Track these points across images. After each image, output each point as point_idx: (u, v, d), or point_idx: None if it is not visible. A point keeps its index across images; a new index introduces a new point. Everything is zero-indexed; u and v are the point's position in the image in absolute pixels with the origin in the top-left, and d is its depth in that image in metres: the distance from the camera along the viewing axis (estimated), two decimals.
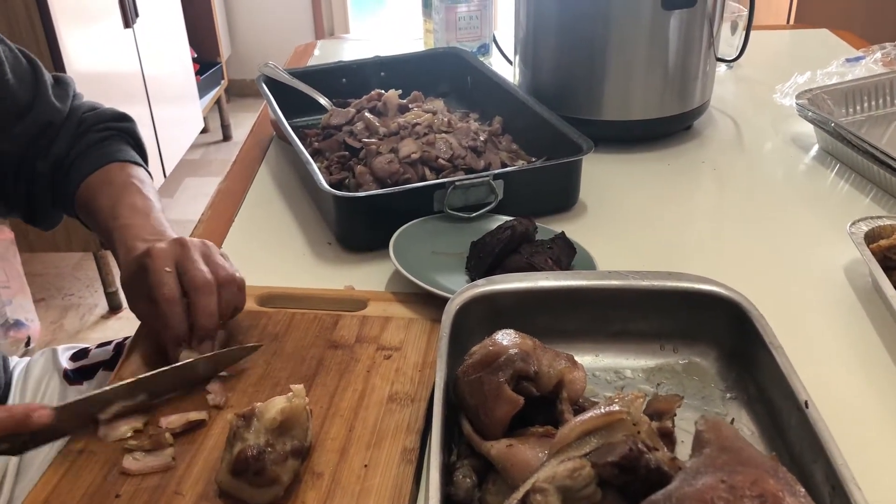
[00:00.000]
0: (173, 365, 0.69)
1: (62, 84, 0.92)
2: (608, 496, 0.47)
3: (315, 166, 0.95)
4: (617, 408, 0.50)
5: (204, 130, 3.26)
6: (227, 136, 3.47)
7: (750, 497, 0.40)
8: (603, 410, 0.50)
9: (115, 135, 0.91)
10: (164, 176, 2.72)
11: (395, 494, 0.60)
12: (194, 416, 0.66)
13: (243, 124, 3.40)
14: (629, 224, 1.00)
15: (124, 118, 0.94)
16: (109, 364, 0.93)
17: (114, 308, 2.35)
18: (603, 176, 1.09)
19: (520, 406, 0.58)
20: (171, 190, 2.99)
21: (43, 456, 0.85)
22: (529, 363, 0.60)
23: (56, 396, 0.92)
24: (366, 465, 0.62)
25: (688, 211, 1.05)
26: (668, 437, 0.53)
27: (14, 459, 0.84)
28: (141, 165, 0.91)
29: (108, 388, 0.67)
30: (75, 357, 0.95)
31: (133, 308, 0.74)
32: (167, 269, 0.70)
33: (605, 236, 0.95)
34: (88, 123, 0.90)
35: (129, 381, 0.67)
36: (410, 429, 0.66)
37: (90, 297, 2.42)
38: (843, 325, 0.81)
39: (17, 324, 2.09)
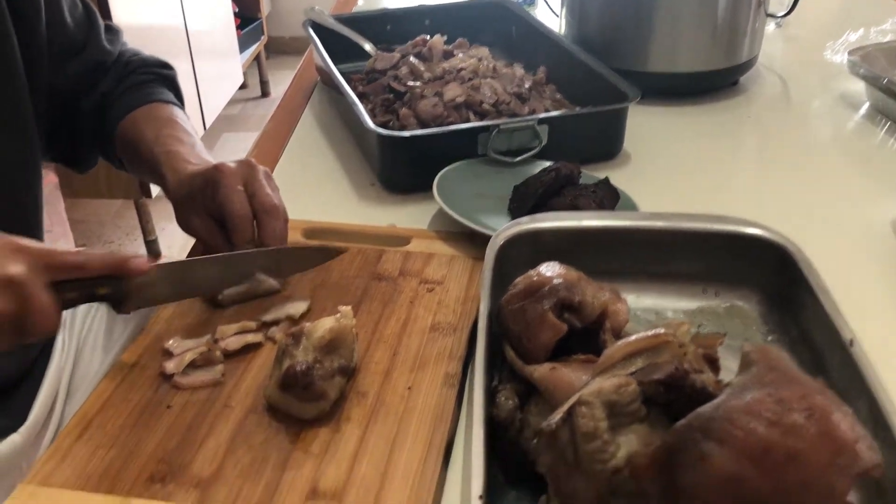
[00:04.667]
0: (259, 249, 0.72)
1: (113, 31, 0.96)
2: (652, 414, 0.48)
3: (361, 107, 0.96)
4: (662, 330, 0.51)
5: (243, 86, 3.27)
6: (265, 93, 3.49)
7: (798, 410, 0.40)
8: (649, 333, 0.50)
9: (158, 79, 0.94)
10: (204, 129, 2.74)
11: (437, 415, 0.61)
12: (251, 338, 0.68)
13: (282, 81, 3.40)
14: (672, 174, 1.00)
15: (166, 66, 0.96)
16: None
17: (153, 256, 2.40)
18: (647, 127, 1.08)
19: (563, 332, 0.59)
20: (210, 144, 3.02)
21: (92, 376, 0.88)
22: (573, 293, 0.61)
23: (104, 326, 0.94)
24: (409, 388, 0.64)
25: (732, 164, 1.04)
26: (714, 363, 0.53)
27: (64, 381, 0.87)
28: (181, 108, 0.93)
29: (202, 257, 0.71)
30: None
31: (186, 224, 0.76)
32: (239, 187, 0.72)
33: (648, 185, 0.95)
34: (134, 65, 0.93)
35: (216, 255, 0.71)
36: (453, 356, 0.67)
37: (130, 245, 2.47)
38: (888, 277, 0.81)
39: None
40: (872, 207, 0.91)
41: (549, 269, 0.63)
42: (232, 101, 3.16)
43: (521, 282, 0.64)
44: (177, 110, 0.91)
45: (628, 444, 0.47)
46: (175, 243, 2.42)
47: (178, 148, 0.81)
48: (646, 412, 0.47)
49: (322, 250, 0.77)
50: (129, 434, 0.60)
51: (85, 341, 0.91)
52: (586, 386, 0.49)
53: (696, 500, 0.41)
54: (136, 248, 2.45)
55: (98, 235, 2.52)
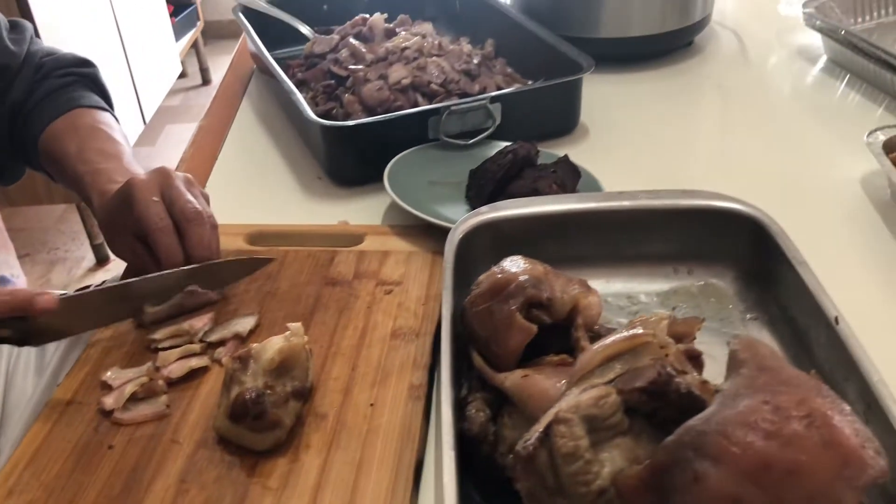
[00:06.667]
0: (178, 269, 0.67)
1: (18, 28, 0.87)
2: (636, 424, 0.44)
3: (300, 96, 0.90)
4: (641, 330, 0.46)
5: (182, 75, 3.15)
6: (206, 80, 3.36)
7: (797, 418, 0.36)
8: (627, 334, 0.46)
9: (78, 80, 0.86)
10: (144, 123, 2.63)
11: (404, 433, 0.57)
12: (196, 362, 0.62)
13: (222, 67, 3.28)
14: (634, 145, 0.95)
15: (86, 63, 0.87)
16: None
17: (101, 260, 2.30)
18: (603, 97, 1.04)
19: (533, 334, 0.55)
20: (153, 138, 2.90)
21: (25, 403, 0.81)
22: (541, 289, 0.56)
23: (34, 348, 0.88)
24: (372, 404, 0.59)
25: (694, 129, 1.00)
26: (696, 360, 0.49)
27: None
28: (107, 111, 0.85)
29: (112, 284, 0.66)
30: None
31: (115, 248, 0.70)
32: (154, 198, 0.66)
33: (609, 158, 0.91)
34: (48, 68, 0.84)
35: (129, 280, 0.66)
36: (417, 364, 0.62)
37: (76, 251, 2.37)
38: (863, 238, 0.78)
39: (3, 280, 2.03)
40: (839, 166, 0.88)
41: (514, 265, 0.59)
42: (172, 92, 3.03)
43: (484, 280, 0.59)
44: (101, 115, 0.83)
45: (612, 461, 0.43)
46: None
47: (103, 165, 0.75)
48: (628, 423, 0.43)
49: (246, 262, 0.71)
50: (68, 482, 0.55)
51: (16, 366, 0.85)
52: (563, 399, 0.45)
53: None
54: (82, 252, 2.35)
55: (42, 242, 2.41)
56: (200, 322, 0.66)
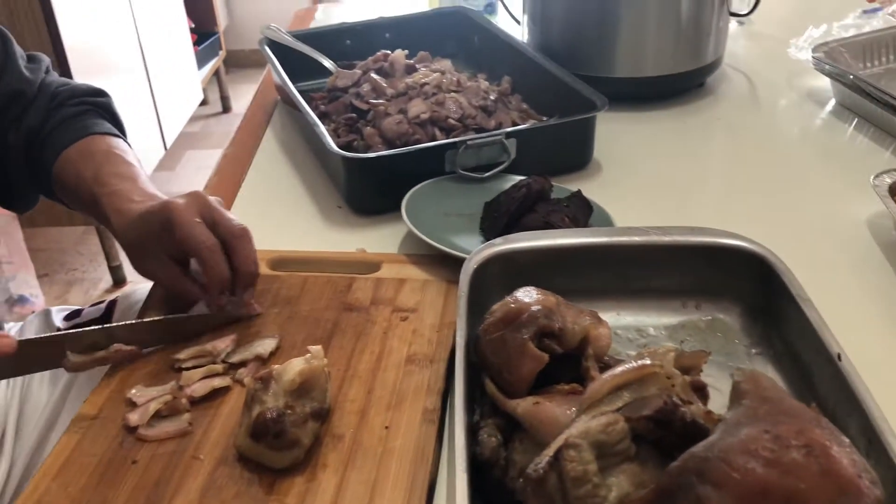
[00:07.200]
0: (172, 316, 0.69)
1: (35, 59, 0.90)
2: (642, 451, 0.46)
3: (323, 128, 0.93)
4: (649, 361, 0.48)
5: (203, 103, 3.22)
6: (226, 108, 3.43)
7: (797, 447, 0.38)
8: (635, 364, 0.48)
9: (91, 109, 0.88)
10: (165, 149, 2.69)
11: (417, 455, 0.58)
12: (218, 382, 0.65)
13: (243, 96, 3.36)
14: (645, 182, 0.98)
15: (100, 93, 0.90)
16: (101, 322, 0.91)
17: (118, 282, 2.34)
18: (616, 135, 1.07)
19: (545, 363, 0.56)
20: (173, 163, 2.96)
21: (39, 412, 0.84)
22: (553, 320, 0.58)
23: None
24: (387, 427, 0.61)
25: (704, 168, 1.03)
26: (701, 392, 0.51)
27: (12, 416, 0.83)
28: (121, 137, 0.88)
29: (79, 330, 0.67)
30: (69, 317, 0.94)
31: (145, 269, 0.72)
32: (196, 220, 0.69)
33: (621, 195, 0.93)
34: (63, 97, 0.87)
35: (103, 326, 0.68)
36: (431, 390, 0.64)
37: (94, 272, 2.41)
38: (868, 280, 0.80)
39: (22, 299, 2.08)
40: (846, 207, 0.90)
41: (527, 296, 0.61)
42: (193, 119, 3.10)
43: (498, 309, 0.62)
44: (115, 141, 0.85)
45: (619, 486, 0.44)
46: None
47: (119, 186, 0.77)
48: (635, 450, 0.45)
49: (215, 317, 0.72)
50: (93, 495, 0.57)
51: (32, 376, 0.87)
52: (573, 425, 0.46)
53: None
54: (100, 274, 2.39)
55: (61, 263, 2.45)
56: (223, 343, 0.68)
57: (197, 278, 0.72)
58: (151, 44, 2.58)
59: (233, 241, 0.70)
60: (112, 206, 0.75)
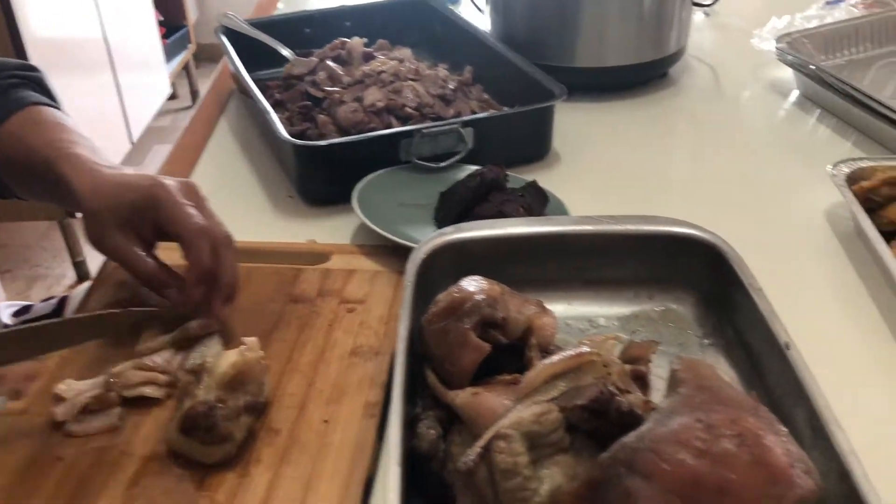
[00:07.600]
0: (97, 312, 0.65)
1: None
2: (577, 442, 0.44)
3: (274, 116, 0.90)
4: (586, 349, 0.47)
5: (172, 96, 3.17)
6: (196, 102, 3.38)
7: (729, 437, 0.37)
8: (572, 352, 0.47)
9: (23, 83, 0.81)
10: (132, 143, 2.64)
11: (356, 450, 0.56)
12: (150, 391, 0.61)
13: None
14: (604, 173, 0.97)
15: (31, 68, 0.84)
16: (51, 318, 0.88)
17: (81, 278, 2.29)
18: (577, 125, 1.05)
19: (486, 353, 0.55)
20: (140, 158, 2.91)
21: None
22: (496, 309, 0.57)
23: None
24: (326, 421, 0.59)
25: (664, 160, 1.01)
26: (642, 380, 0.50)
27: None
28: (60, 110, 0.81)
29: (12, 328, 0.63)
30: (17, 313, 0.90)
31: (104, 244, 0.65)
32: (187, 202, 0.65)
33: (579, 186, 0.92)
34: None
35: (38, 323, 0.63)
36: (374, 383, 0.62)
37: (57, 268, 2.36)
38: (824, 269, 0.79)
39: None
40: (806, 197, 0.90)
41: (472, 285, 0.59)
42: (162, 113, 3.05)
43: (442, 299, 0.60)
44: (59, 114, 0.78)
45: (552, 478, 0.43)
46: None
47: (80, 151, 0.70)
48: (570, 441, 0.44)
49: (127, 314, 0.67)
50: (11, 493, 0.54)
51: None
52: (506, 415, 0.45)
53: None
54: (63, 270, 2.34)
55: (24, 259, 2.40)
56: (160, 358, 0.63)
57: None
58: (117, 37, 2.53)
59: (218, 248, 0.65)
60: (75, 168, 0.68)
